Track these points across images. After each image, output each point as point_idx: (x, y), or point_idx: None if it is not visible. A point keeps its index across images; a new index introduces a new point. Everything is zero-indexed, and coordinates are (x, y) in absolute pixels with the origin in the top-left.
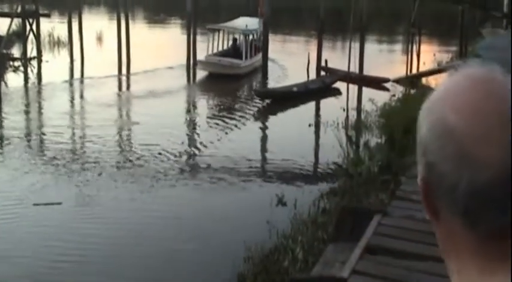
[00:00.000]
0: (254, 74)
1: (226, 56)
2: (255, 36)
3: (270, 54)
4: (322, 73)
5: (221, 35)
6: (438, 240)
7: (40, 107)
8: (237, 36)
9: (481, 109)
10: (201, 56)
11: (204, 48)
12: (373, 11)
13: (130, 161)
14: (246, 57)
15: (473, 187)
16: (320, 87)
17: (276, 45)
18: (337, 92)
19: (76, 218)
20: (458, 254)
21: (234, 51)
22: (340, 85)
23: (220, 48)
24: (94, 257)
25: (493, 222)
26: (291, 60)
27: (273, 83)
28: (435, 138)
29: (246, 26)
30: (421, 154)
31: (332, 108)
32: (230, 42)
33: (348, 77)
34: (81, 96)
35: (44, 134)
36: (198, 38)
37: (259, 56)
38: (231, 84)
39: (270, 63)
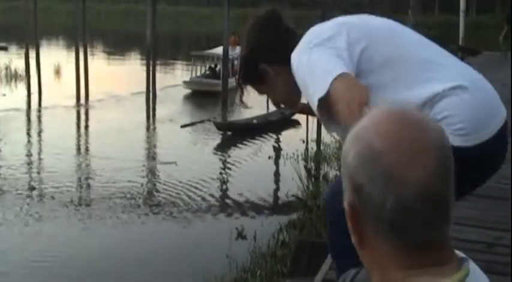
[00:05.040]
0: (231, 92)
1: (207, 78)
2: (235, 61)
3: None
4: (282, 106)
5: (200, 60)
6: (364, 262)
7: None
8: (214, 62)
9: (404, 136)
10: (160, 86)
11: (165, 77)
12: None
13: (85, 195)
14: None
15: (400, 205)
16: (280, 119)
17: None
18: (296, 124)
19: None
20: (383, 268)
21: (213, 74)
22: (300, 117)
23: (199, 73)
24: None
25: (419, 236)
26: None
27: (233, 115)
28: (363, 162)
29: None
30: (347, 180)
31: (291, 140)
32: (209, 67)
33: (307, 109)
34: (38, 127)
35: None
36: (158, 68)
37: (234, 78)
38: (190, 114)
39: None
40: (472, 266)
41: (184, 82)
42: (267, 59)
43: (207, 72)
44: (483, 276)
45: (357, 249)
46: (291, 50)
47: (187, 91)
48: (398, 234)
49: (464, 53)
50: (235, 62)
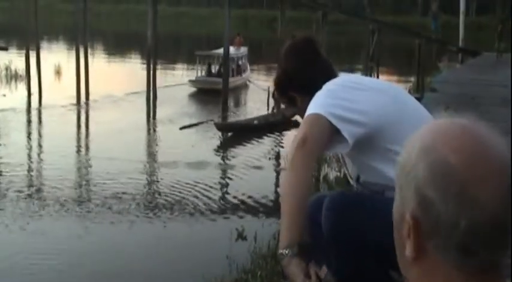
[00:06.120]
0: (235, 91)
1: (211, 77)
2: (240, 61)
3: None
4: (283, 106)
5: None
6: (409, 274)
7: None
8: (219, 62)
9: (480, 152)
10: (161, 86)
11: (166, 78)
12: (332, 44)
13: (85, 196)
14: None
15: (473, 226)
16: (280, 120)
17: None
18: (297, 125)
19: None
20: None
21: (218, 73)
22: (300, 118)
23: (204, 72)
24: None
25: (486, 259)
26: (251, 92)
27: (234, 115)
28: (436, 176)
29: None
30: (412, 192)
31: (292, 141)
32: (217, 67)
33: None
34: (38, 128)
35: None
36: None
37: (239, 77)
38: (190, 115)
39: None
40: None
41: (190, 81)
42: (297, 86)
43: (215, 71)
44: None
45: (405, 264)
46: (323, 82)
47: (189, 91)
48: (467, 255)
49: (464, 54)
50: (240, 62)
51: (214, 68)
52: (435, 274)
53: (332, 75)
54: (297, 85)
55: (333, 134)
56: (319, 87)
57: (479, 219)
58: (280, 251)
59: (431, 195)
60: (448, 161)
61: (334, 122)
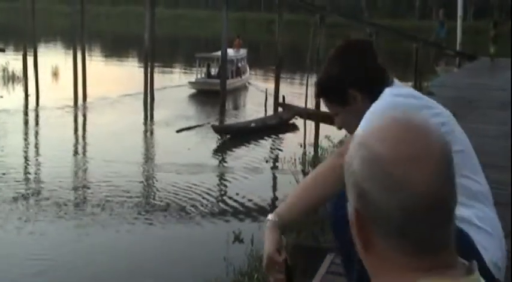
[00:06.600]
0: (235, 93)
1: (211, 78)
2: (240, 63)
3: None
4: (280, 109)
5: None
6: (368, 267)
7: None
8: (219, 64)
9: (406, 139)
10: (158, 88)
11: (163, 80)
12: (330, 47)
13: (81, 198)
14: (227, 78)
15: (404, 208)
16: (278, 123)
17: None
18: (294, 128)
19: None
20: (390, 273)
21: (218, 75)
22: (298, 121)
23: (203, 74)
24: None
25: (424, 239)
26: (250, 94)
27: (233, 117)
28: (366, 166)
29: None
30: (352, 187)
31: (289, 144)
32: (216, 69)
33: (304, 113)
34: (35, 130)
35: None
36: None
37: (238, 78)
38: (188, 117)
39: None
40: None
41: (190, 82)
42: (358, 85)
43: (215, 72)
44: None
45: (361, 256)
46: (380, 84)
47: (187, 93)
48: (404, 237)
49: (462, 58)
50: (240, 64)
51: (214, 70)
52: (382, 262)
53: (388, 81)
54: (360, 82)
55: None
56: (377, 90)
57: (409, 200)
58: (268, 216)
59: (365, 186)
60: (375, 150)
61: None
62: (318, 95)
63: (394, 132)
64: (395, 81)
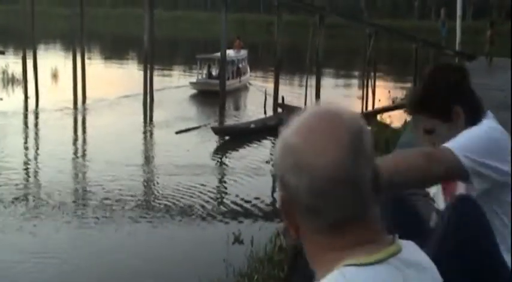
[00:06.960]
0: (235, 93)
1: (212, 79)
2: (240, 64)
3: None
4: (279, 110)
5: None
6: (308, 258)
7: None
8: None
9: (316, 128)
10: (159, 86)
11: (163, 82)
12: (329, 48)
13: (81, 199)
14: (228, 79)
15: (312, 188)
16: (277, 124)
17: None
18: None
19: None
20: (318, 253)
21: (219, 76)
22: None
23: (204, 75)
24: None
25: (335, 217)
26: (250, 95)
27: (233, 118)
28: (282, 156)
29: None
30: (277, 176)
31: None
32: (217, 69)
33: None
34: (35, 132)
35: None
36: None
37: (239, 79)
38: (187, 119)
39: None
40: (408, 243)
41: (191, 83)
42: (462, 103)
43: (215, 73)
44: (419, 251)
45: (304, 247)
46: (481, 110)
47: (187, 94)
48: (317, 216)
49: (461, 58)
50: (240, 65)
51: (215, 71)
52: (309, 244)
53: (484, 110)
54: (464, 100)
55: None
56: (476, 113)
57: (317, 183)
58: None
59: (283, 174)
60: (289, 141)
61: (475, 183)
62: (415, 110)
63: (308, 123)
64: (488, 112)
